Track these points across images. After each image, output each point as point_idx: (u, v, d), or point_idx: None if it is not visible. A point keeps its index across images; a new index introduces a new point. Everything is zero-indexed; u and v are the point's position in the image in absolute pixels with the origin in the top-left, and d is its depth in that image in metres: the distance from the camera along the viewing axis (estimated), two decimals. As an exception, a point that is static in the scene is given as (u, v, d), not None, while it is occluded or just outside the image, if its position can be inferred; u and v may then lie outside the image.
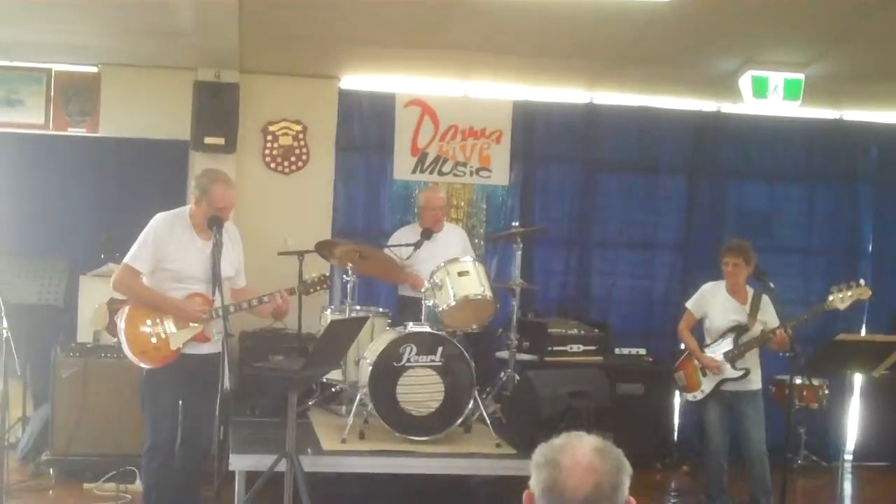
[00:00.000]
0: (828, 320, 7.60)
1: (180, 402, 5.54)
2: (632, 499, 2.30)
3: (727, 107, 8.87)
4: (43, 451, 6.99)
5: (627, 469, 2.30)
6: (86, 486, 6.74)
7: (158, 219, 5.51)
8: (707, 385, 6.59)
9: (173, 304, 5.42)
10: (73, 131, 8.06)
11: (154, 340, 5.39)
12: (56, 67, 8.04)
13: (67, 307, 7.32)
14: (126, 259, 5.45)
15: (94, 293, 7.17)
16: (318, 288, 6.14)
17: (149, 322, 5.40)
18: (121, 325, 5.43)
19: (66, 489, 6.78)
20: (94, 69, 8.08)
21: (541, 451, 2.32)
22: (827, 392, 8.11)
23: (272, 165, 8.34)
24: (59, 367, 6.93)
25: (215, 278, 5.35)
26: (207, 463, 5.55)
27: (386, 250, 7.31)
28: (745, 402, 6.54)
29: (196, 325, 5.44)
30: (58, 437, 6.89)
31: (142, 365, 5.43)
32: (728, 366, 6.49)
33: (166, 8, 6.68)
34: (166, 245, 5.42)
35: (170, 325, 5.41)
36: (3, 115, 7.95)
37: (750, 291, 6.63)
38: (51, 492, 6.79)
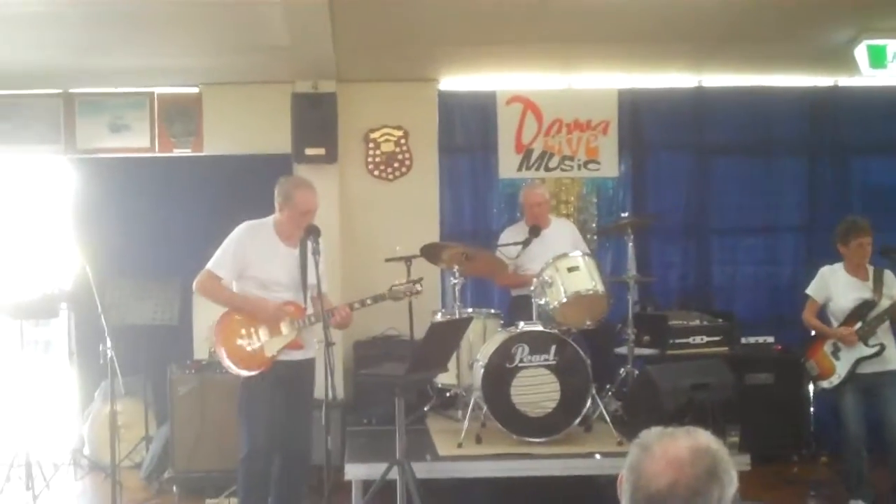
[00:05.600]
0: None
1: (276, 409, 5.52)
2: None
3: (844, 80, 8.46)
4: (165, 470, 7.04)
5: (723, 480, 2.13)
6: (208, 501, 6.72)
7: (242, 227, 5.57)
8: (842, 369, 6.26)
9: (254, 303, 5.44)
10: (178, 152, 8.20)
11: (249, 349, 5.45)
12: (158, 90, 8.19)
13: (182, 326, 7.41)
14: (208, 265, 5.50)
15: (207, 311, 7.10)
16: (407, 294, 5.85)
17: (243, 331, 5.46)
18: (217, 335, 5.51)
19: (189, 506, 6.83)
20: (195, 89, 8.20)
21: (644, 433, 2.26)
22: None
23: (375, 173, 8.30)
24: (176, 385, 6.98)
25: (305, 286, 5.39)
26: (312, 472, 5.50)
27: (495, 251, 7.18)
28: (884, 384, 6.23)
29: (289, 332, 5.44)
30: (178, 454, 6.92)
31: (240, 373, 5.47)
32: (861, 343, 6.17)
33: (260, 24, 6.68)
34: (248, 253, 5.46)
35: (263, 333, 5.45)
36: (110, 141, 8.14)
37: (870, 269, 6.37)
38: (175, 509, 6.84)
